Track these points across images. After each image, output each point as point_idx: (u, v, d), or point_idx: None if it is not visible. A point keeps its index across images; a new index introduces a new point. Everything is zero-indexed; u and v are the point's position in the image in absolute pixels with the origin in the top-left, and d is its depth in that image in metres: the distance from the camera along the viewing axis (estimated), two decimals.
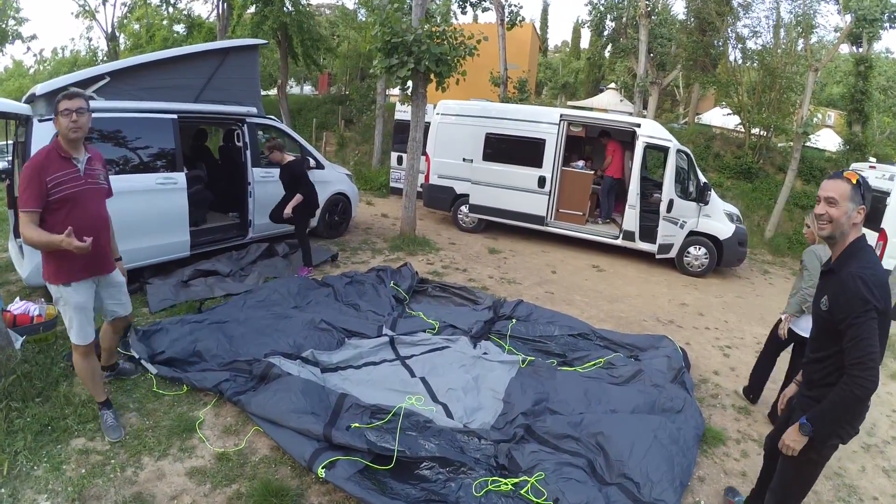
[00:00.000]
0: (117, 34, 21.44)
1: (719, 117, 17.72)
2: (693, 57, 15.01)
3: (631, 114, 14.27)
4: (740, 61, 14.52)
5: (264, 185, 6.25)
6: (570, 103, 22.96)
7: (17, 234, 4.64)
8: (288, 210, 5.82)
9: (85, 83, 4.53)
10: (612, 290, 6.74)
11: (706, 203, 7.64)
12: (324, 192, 7.26)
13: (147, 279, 5.17)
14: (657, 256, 7.82)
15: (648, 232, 7.76)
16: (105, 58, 21.93)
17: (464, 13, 15.99)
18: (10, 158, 5.66)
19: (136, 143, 5.00)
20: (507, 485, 2.73)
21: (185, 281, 5.29)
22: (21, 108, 4.46)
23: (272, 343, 3.99)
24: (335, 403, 3.19)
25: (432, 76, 7.30)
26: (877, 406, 4.44)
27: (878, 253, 6.97)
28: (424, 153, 8.80)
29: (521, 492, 2.69)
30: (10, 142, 5.77)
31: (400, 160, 11.08)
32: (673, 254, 7.86)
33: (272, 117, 6.90)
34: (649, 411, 3.47)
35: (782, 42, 13.12)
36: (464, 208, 9.06)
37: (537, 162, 8.22)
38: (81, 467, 2.72)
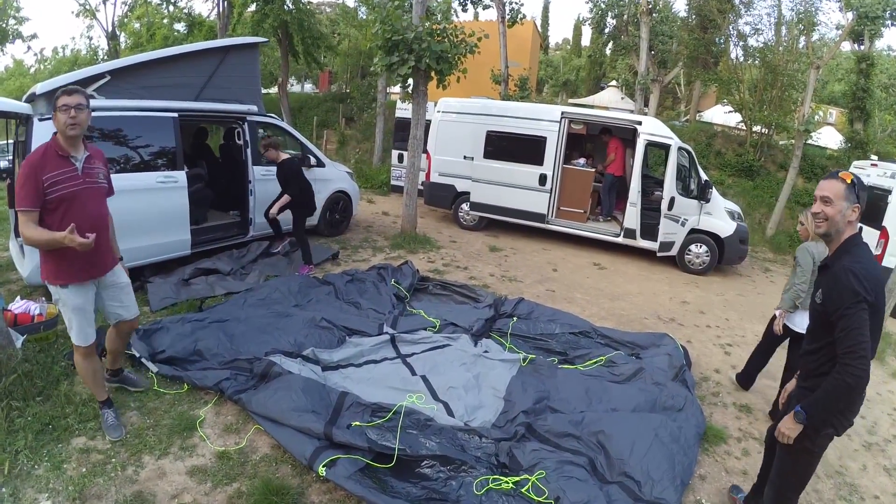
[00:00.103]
0: (118, 33, 21.46)
1: (721, 115, 17.67)
2: (694, 54, 14.99)
3: (632, 111, 14.25)
4: (742, 59, 14.48)
5: (265, 183, 6.24)
6: (571, 101, 22.89)
7: (17, 234, 4.64)
8: (274, 210, 5.84)
9: (85, 82, 4.53)
10: (614, 288, 6.73)
11: (707, 201, 7.63)
12: (325, 190, 7.28)
13: (148, 278, 5.17)
14: (658, 254, 7.81)
15: (649, 230, 7.74)
16: (105, 56, 21.97)
17: (464, 10, 15.95)
18: (11, 157, 5.67)
19: (137, 142, 4.99)
20: (507, 483, 2.72)
21: (186, 279, 5.29)
22: (21, 107, 4.46)
23: (273, 341, 3.99)
24: (336, 402, 3.19)
25: (433, 74, 7.28)
26: (878, 404, 4.44)
27: (880, 251, 6.95)
28: (425, 151, 8.79)
29: (522, 490, 2.69)
30: (10, 141, 5.78)
31: (401, 158, 11.08)
32: (674, 252, 7.85)
33: (273, 115, 6.91)
34: (650, 409, 3.47)
35: (784, 39, 13.08)
36: (465, 206, 9.05)
37: (538, 160, 8.21)
38: (82, 466, 2.73)
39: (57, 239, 2.48)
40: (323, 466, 2.66)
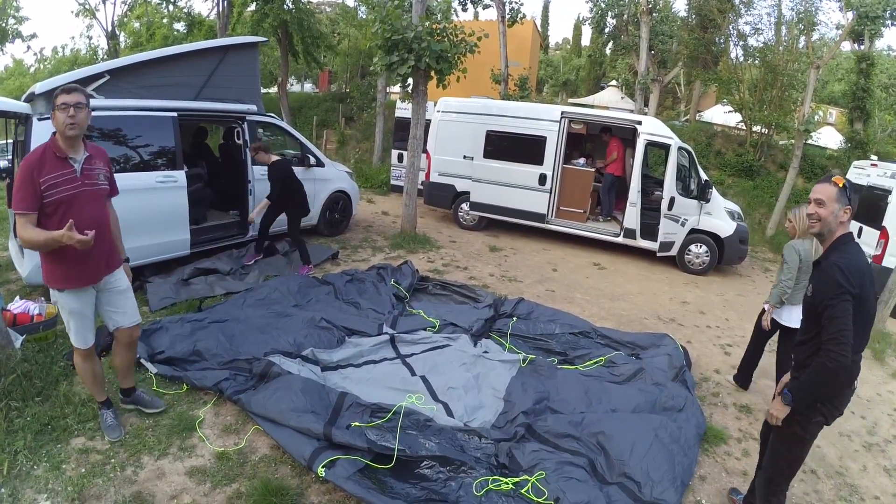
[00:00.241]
0: (117, 32, 21.46)
1: (720, 115, 17.67)
2: (694, 54, 14.97)
3: (632, 111, 14.24)
4: (742, 58, 14.47)
5: (264, 182, 6.20)
6: (570, 101, 22.90)
7: (16, 234, 4.63)
8: (252, 215, 5.86)
9: (85, 81, 4.53)
10: (613, 288, 6.72)
11: (707, 201, 7.63)
12: (324, 190, 7.28)
13: (147, 278, 5.17)
14: (658, 254, 7.81)
15: (649, 230, 7.74)
16: (105, 56, 21.95)
17: (464, 10, 15.96)
18: (11, 157, 5.66)
19: (136, 142, 4.99)
20: (507, 484, 2.72)
21: (186, 279, 5.28)
22: (21, 106, 4.46)
23: (272, 341, 3.99)
24: (335, 402, 3.19)
25: (433, 73, 7.28)
26: (878, 405, 4.44)
27: (880, 251, 6.95)
28: (425, 151, 8.78)
29: (522, 491, 2.69)
30: (10, 141, 5.77)
31: (400, 158, 11.07)
32: (674, 252, 7.84)
33: (272, 115, 6.89)
34: (650, 410, 3.47)
35: (784, 39, 13.07)
36: (464, 206, 9.05)
37: (538, 159, 8.20)
38: (81, 466, 2.72)
39: (55, 238, 2.40)
40: (322, 467, 2.65)
